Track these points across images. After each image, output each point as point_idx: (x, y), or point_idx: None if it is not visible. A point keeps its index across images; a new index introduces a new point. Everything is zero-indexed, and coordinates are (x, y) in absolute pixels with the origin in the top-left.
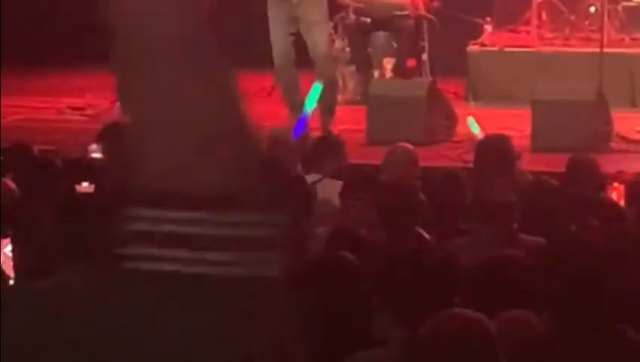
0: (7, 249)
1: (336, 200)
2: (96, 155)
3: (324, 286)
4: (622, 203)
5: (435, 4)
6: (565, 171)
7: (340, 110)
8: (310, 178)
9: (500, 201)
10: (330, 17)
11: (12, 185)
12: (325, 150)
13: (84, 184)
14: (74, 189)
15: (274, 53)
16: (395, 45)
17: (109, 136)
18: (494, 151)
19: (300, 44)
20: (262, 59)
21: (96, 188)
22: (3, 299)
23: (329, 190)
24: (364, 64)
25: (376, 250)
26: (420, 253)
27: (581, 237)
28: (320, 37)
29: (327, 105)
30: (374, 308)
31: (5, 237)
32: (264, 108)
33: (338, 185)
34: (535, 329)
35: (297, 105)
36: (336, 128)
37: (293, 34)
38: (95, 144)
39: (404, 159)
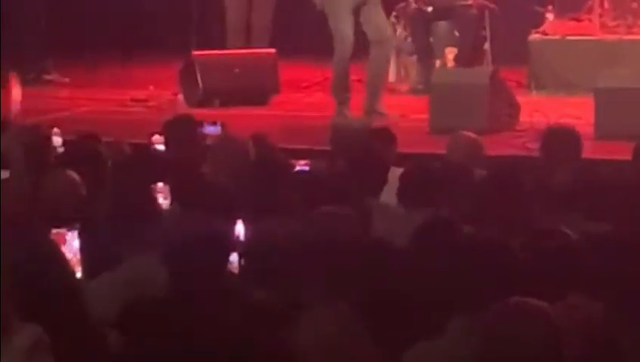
0: (75, 242)
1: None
2: (160, 147)
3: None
4: None
5: None
6: (633, 158)
7: (402, 99)
8: None
9: (567, 189)
10: (392, 7)
11: (76, 177)
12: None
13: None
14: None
15: (338, 40)
16: (457, 34)
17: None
18: (563, 138)
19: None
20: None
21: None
22: None
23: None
24: (426, 53)
25: (436, 240)
26: (481, 242)
27: None
28: (384, 18)
29: (376, 87)
30: (426, 297)
31: (72, 230)
32: (327, 99)
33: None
34: (594, 316)
35: (345, 98)
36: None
37: (354, 18)
38: (158, 135)
39: (469, 146)
